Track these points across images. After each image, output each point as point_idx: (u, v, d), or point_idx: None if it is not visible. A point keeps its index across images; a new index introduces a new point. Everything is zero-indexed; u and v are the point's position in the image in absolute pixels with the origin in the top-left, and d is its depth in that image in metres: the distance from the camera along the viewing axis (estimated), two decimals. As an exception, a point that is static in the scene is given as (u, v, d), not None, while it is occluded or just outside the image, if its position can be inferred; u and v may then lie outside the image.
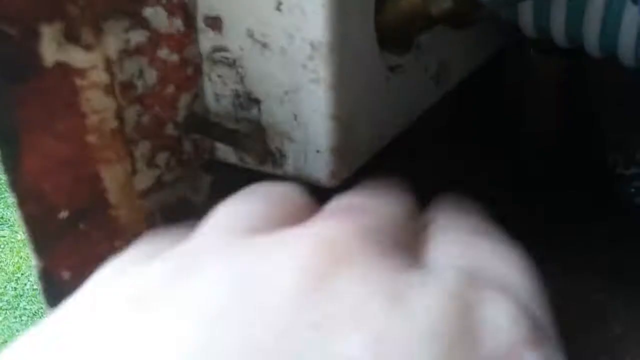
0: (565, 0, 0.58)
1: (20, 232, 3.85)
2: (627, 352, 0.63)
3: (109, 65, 0.41)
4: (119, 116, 0.43)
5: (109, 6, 0.40)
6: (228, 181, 0.55)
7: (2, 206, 3.98)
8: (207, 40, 0.48)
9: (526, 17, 0.62)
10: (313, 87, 0.45)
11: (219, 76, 0.49)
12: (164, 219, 0.50)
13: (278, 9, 0.44)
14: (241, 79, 0.48)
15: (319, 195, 0.61)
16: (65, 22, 0.38)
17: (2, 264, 3.62)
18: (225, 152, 0.52)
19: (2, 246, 3.73)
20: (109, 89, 0.42)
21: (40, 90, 0.37)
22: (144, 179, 0.47)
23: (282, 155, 0.50)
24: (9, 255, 3.68)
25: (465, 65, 0.67)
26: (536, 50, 0.82)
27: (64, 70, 0.39)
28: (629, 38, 0.57)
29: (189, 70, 0.49)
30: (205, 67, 0.49)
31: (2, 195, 4.05)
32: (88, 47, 0.39)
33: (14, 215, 4.02)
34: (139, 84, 0.44)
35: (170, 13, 0.45)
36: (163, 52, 0.46)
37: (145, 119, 0.46)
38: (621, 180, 0.74)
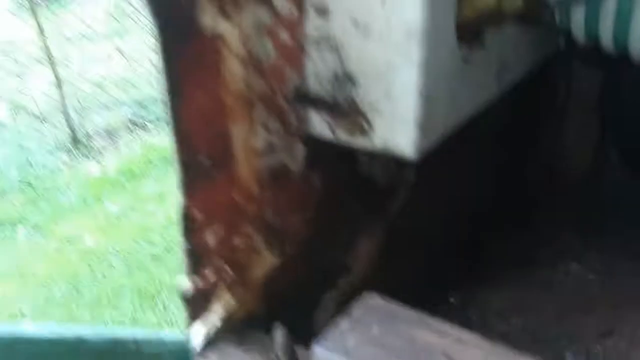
0: (614, 10, 0.66)
1: (54, 240, 3.95)
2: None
3: (246, 39, 0.50)
4: (246, 82, 0.52)
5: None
6: (320, 155, 0.63)
7: (38, 215, 4.10)
8: (314, 26, 0.57)
9: (578, 23, 0.70)
10: (406, 67, 0.54)
11: (321, 58, 0.58)
12: (269, 181, 0.58)
13: (382, 2, 0.53)
14: (341, 61, 0.57)
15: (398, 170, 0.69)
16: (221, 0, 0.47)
17: (34, 270, 3.71)
18: (320, 128, 0.61)
19: (35, 253, 3.83)
20: (242, 59, 0.51)
21: (198, 52, 0.46)
22: (259, 140, 0.55)
23: (372, 129, 0.58)
24: (41, 262, 3.77)
25: (520, 67, 0.75)
26: (580, 62, 0.90)
27: (215, 37, 0.47)
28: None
29: (297, 51, 0.57)
30: (310, 50, 0.58)
31: (38, 205, 4.18)
32: (231, 19, 0.48)
33: (47, 223, 4.12)
34: (262, 56, 0.53)
35: (289, 0, 0.54)
36: (280, 33, 0.55)
37: (264, 88, 0.54)
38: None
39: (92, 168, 4.34)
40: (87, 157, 4.41)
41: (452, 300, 0.62)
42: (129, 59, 4.83)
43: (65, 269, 3.91)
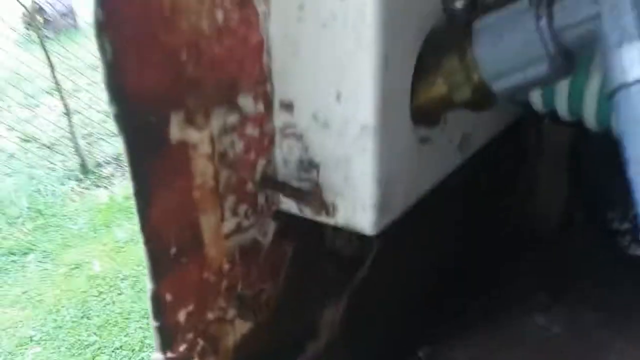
0: (568, 83, 0.71)
1: (62, 267, 4.02)
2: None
3: (212, 140, 0.56)
4: (215, 178, 0.57)
5: (215, 97, 0.55)
6: (289, 228, 0.69)
7: (46, 241, 4.17)
8: (280, 119, 0.62)
9: (535, 97, 0.75)
10: (362, 157, 0.59)
11: (288, 146, 0.63)
12: (240, 257, 0.63)
13: (338, 99, 0.58)
14: (305, 149, 0.62)
15: (362, 242, 0.74)
16: (186, 110, 0.52)
17: (43, 296, 3.77)
18: (289, 205, 0.66)
19: (44, 279, 3.90)
20: (210, 158, 0.56)
21: (166, 160, 0.52)
22: (229, 225, 0.60)
23: (335, 209, 0.63)
24: (50, 288, 3.83)
25: (485, 135, 0.80)
26: (549, 118, 0.94)
27: (183, 145, 0.53)
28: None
29: (265, 142, 0.63)
30: (277, 139, 0.63)
31: (47, 231, 4.25)
32: (200, 128, 0.54)
33: (56, 250, 4.19)
34: (230, 153, 0.58)
35: (256, 99, 0.60)
36: (248, 129, 0.60)
37: (233, 179, 0.59)
38: (617, 234, 0.86)
39: (100, 195, 4.41)
40: (96, 184, 4.49)
41: (420, 355, 0.66)
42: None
43: (74, 294, 3.97)
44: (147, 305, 0.56)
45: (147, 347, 3.24)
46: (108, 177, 4.63)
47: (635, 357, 0.77)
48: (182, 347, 0.58)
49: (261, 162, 0.63)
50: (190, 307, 0.58)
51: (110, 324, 3.59)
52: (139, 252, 3.97)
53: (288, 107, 0.61)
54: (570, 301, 0.85)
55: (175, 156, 0.52)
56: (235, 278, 0.63)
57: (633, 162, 0.50)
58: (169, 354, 0.57)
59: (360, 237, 0.71)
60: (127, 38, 0.46)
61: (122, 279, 3.80)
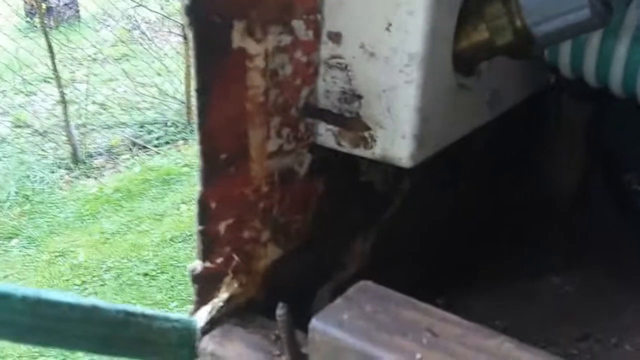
0: (597, 47, 0.75)
1: (46, 253, 3.98)
2: (633, 336, 0.76)
3: (267, 55, 0.58)
4: (266, 94, 0.59)
5: (273, 15, 0.57)
6: (324, 162, 0.70)
7: (32, 227, 4.13)
8: (327, 49, 0.65)
9: (564, 59, 0.78)
10: (406, 87, 0.61)
11: (332, 77, 0.65)
12: (277, 182, 0.65)
13: (387, 29, 0.61)
14: (349, 80, 0.64)
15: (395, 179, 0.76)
16: (248, 21, 0.55)
17: (25, 282, 3.73)
18: (326, 138, 0.68)
19: (27, 265, 3.86)
20: (263, 73, 0.58)
21: (226, 63, 0.54)
22: (272, 144, 0.62)
23: (373, 140, 0.65)
24: (32, 274, 3.79)
25: (512, 97, 0.83)
26: (569, 95, 0.98)
27: (242, 53, 0.55)
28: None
29: (311, 70, 0.65)
30: (322, 70, 0.66)
31: (33, 217, 4.22)
32: (258, 41, 0.56)
33: (41, 236, 4.15)
34: (281, 73, 0.60)
35: (307, 26, 0.62)
36: (298, 54, 0.62)
37: (280, 100, 0.61)
38: (636, 195, 0.89)
39: (90, 185, 4.38)
40: (86, 174, 4.47)
41: (439, 302, 0.68)
42: (134, 82, 4.93)
43: (56, 282, 3.92)
44: (195, 210, 0.57)
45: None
46: (99, 168, 4.61)
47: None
48: (219, 259, 0.60)
49: (305, 90, 0.65)
50: (230, 221, 0.60)
51: (90, 314, 3.53)
52: (124, 244, 3.96)
53: (336, 37, 0.64)
54: (585, 266, 0.88)
55: (234, 62, 0.55)
56: (271, 202, 0.65)
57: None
58: (207, 263, 0.59)
59: (394, 174, 0.74)
60: None
61: (106, 270, 3.77)
